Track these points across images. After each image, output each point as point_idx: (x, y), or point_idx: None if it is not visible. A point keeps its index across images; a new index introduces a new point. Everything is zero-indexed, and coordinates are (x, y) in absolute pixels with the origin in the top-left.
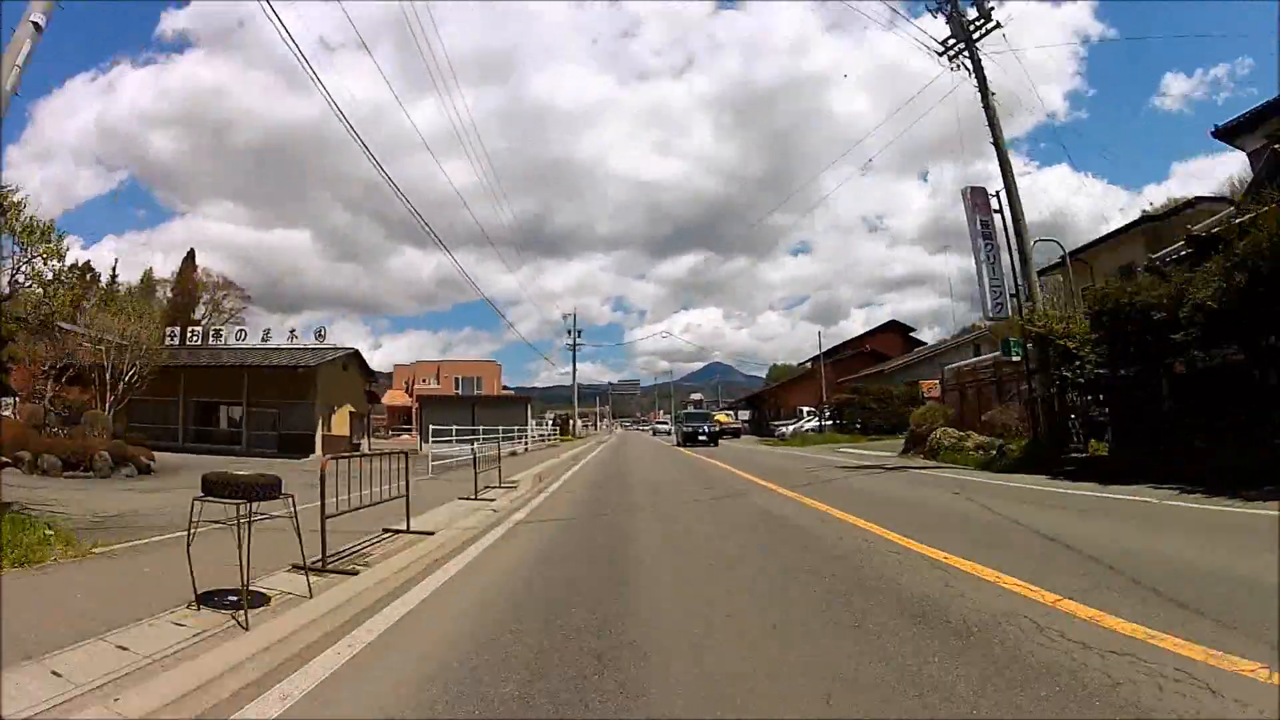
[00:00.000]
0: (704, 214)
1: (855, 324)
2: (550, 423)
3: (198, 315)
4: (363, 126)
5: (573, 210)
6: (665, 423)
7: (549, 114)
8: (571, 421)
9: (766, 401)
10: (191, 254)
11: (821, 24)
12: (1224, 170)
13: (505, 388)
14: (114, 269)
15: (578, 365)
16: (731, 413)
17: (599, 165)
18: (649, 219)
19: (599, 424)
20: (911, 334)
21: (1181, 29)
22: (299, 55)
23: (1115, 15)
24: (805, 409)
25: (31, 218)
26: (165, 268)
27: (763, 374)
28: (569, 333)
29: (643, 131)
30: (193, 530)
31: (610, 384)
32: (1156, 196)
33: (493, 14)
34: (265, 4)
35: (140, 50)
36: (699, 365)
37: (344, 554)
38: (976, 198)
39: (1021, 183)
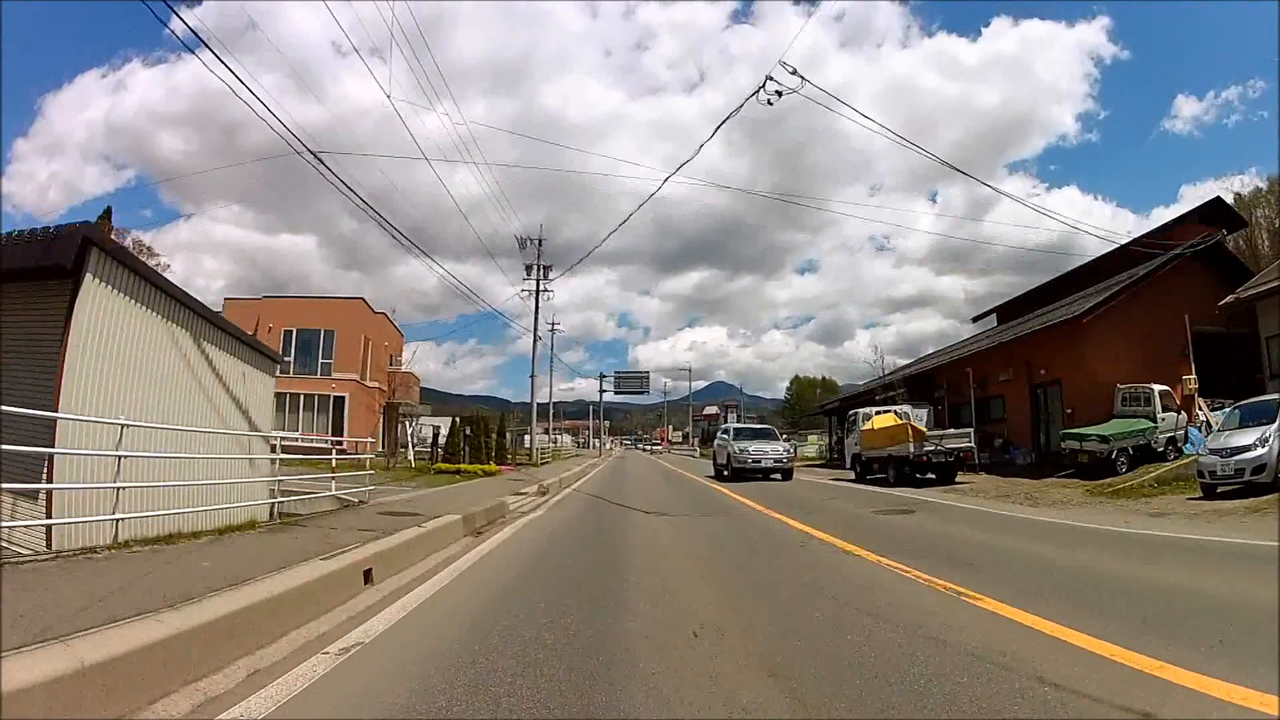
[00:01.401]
0: (712, 230)
1: (859, 345)
2: (419, 432)
3: None
4: (382, 130)
5: (579, 223)
6: (770, 436)
7: (560, 126)
8: (525, 436)
9: (952, 382)
10: (108, 212)
11: (833, 41)
12: (1231, 197)
13: (421, 383)
14: None
15: (576, 381)
16: (909, 409)
17: (607, 178)
18: (656, 234)
19: (591, 441)
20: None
21: (1195, 49)
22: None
23: (1129, 37)
24: (1164, 388)
25: None
26: (172, 270)
27: (764, 394)
28: (529, 265)
29: (652, 145)
30: None
31: (603, 378)
32: (1165, 219)
33: (508, 22)
34: None
35: (152, 49)
36: (703, 384)
37: None
38: None
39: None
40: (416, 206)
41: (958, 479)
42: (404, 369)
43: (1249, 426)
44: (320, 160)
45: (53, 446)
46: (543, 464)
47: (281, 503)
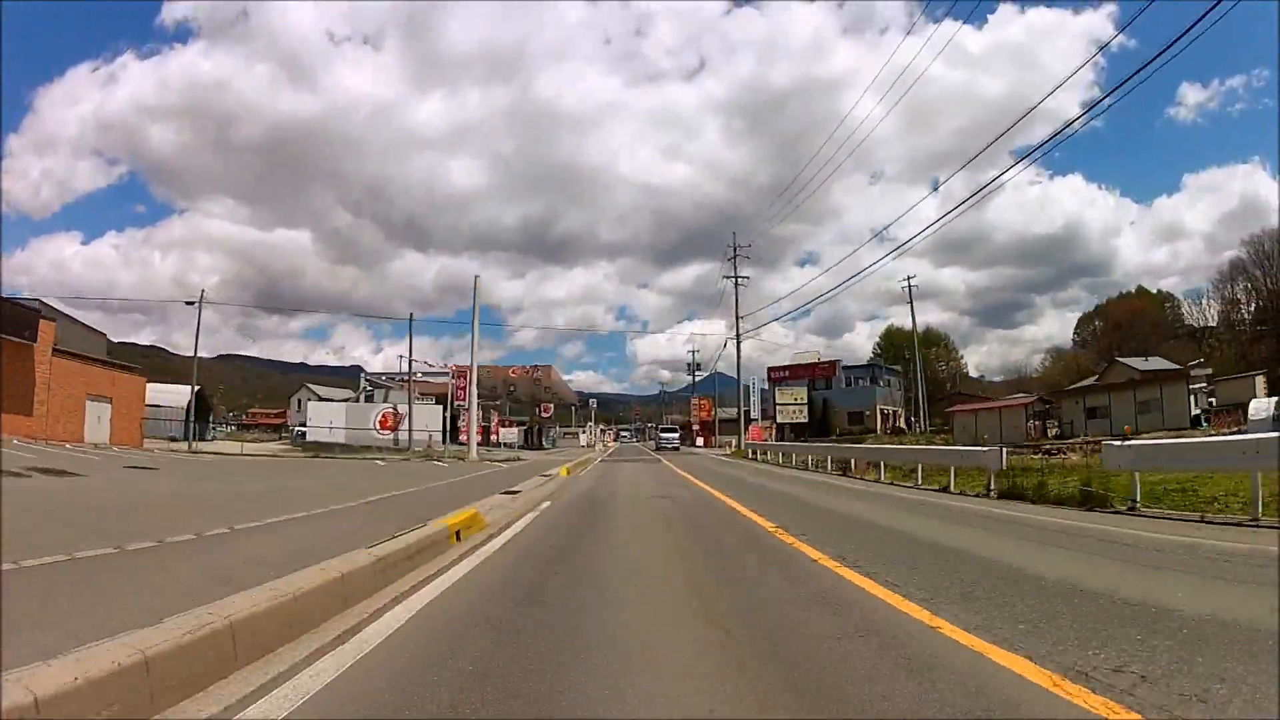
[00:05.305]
0: (711, 221)
1: (859, 336)
2: None
3: None
4: (373, 124)
5: (576, 215)
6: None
7: (556, 115)
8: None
9: None
10: None
11: (837, 27)
12: (1235, 185)
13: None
14: None
15: (573, 373)
16: None
17: (605, 169)
18: (654, 225)
19: (544, 433)
20: None
21: (1200, 38)
22: None
23: (1135, 24)
24: None
25: None
26: (164, 266)
27: (764, 385)
28: None
29: (650, 135)
30: None
31: None
32: (1167, 208)
33: (503, 11)
34: None
35: (143, 41)
36: (702, 375)
37: None
38: None
39: (1032, 192)
40: (418, 193)
41: None
42: None
43: None
44: None
45: None
46: None
47: None
